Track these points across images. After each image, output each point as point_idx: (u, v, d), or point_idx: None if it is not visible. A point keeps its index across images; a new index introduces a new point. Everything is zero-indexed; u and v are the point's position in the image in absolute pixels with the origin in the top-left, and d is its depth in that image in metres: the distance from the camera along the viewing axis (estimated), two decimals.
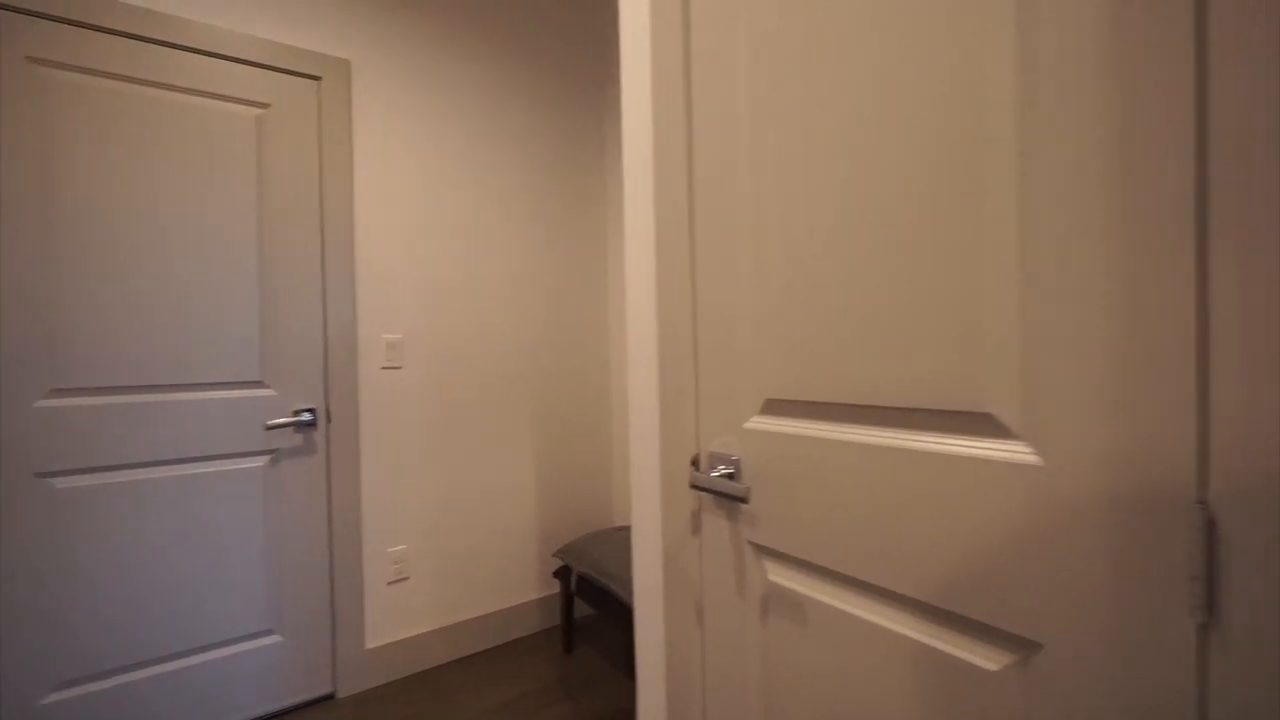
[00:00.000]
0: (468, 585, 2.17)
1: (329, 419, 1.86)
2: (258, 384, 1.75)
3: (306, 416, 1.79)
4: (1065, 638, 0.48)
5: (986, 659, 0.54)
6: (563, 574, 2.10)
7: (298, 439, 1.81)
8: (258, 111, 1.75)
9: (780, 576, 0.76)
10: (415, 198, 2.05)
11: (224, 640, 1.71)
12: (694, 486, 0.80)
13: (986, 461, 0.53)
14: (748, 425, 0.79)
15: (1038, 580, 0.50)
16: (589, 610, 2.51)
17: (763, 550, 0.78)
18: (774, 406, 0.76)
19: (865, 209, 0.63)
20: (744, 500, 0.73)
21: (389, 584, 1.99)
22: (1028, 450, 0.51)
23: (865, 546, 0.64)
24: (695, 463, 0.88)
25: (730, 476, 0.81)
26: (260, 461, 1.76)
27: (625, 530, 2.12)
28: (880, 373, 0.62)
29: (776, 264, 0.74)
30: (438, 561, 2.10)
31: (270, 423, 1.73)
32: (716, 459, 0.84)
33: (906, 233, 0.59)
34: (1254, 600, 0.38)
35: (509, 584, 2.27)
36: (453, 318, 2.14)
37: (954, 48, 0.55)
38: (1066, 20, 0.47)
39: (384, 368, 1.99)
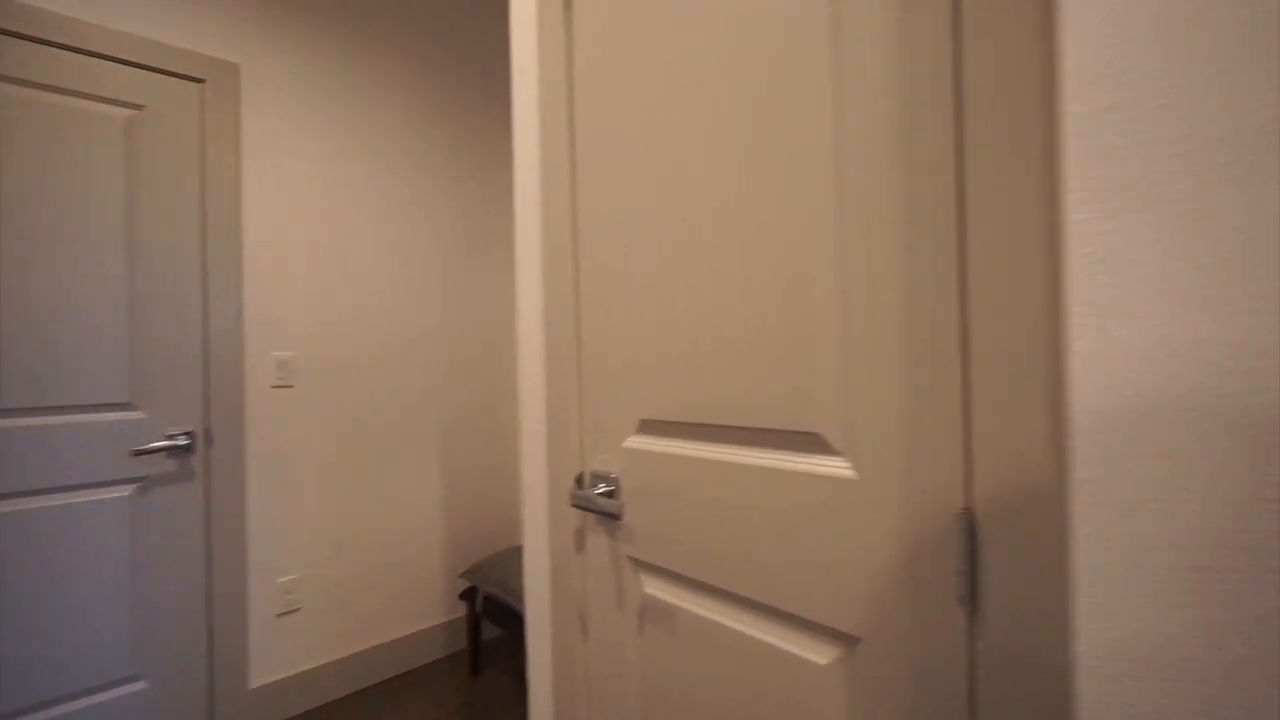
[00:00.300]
0: (367, 612, 2.07)
1: (209, 442, 1.74)
2: (125, 406, 1.61)
3: (182, 440, 1.66)
4: (877, 631, 0.55)
5: (819, 654, 0.60)
6: (469, 595, 2.06)
7: (171, 465, 1.68)
8: (129, 113, 1.63)
9: (655, 588, 0.80)
10: (311, 208, 1.97)
11: (80, 690, 1.54)
12: (574, 504, 0.83)
13: (815, 476, 0.60)
14: (626, 444, 0.83)
15: (856, 581, 0.56)
16: (497, 632, 2.47)
17: (640, 564, 0.82)
18: (648, 426, 0.81)
19: (718, 253, 0.69)
20: (617, 517, 0.77)
21: (278, 616, 1.87)
22: (847, 466, 0.58)
23: (723, 557, 0.69)
24: (580, 480, 0.91)
25: (609, 494, 0.84)
26: (126, 491, 1.61)
27: None
28: (735, 396, 0.68)
29: (647, 294, 0.79)
30: (334, 589, 2.00)
31: (138, 449, 1.59)
32: (598, 477, 0.87)
33: (751, 275, 0.65)
34: (1004, 588, 0.46)
35: (412, 608, 2.19)
36: (350, 333, 2.06)
37: (788, 132, 0.62)
38: (864, 111, 0.55)
39: (274, 386, 1.88)
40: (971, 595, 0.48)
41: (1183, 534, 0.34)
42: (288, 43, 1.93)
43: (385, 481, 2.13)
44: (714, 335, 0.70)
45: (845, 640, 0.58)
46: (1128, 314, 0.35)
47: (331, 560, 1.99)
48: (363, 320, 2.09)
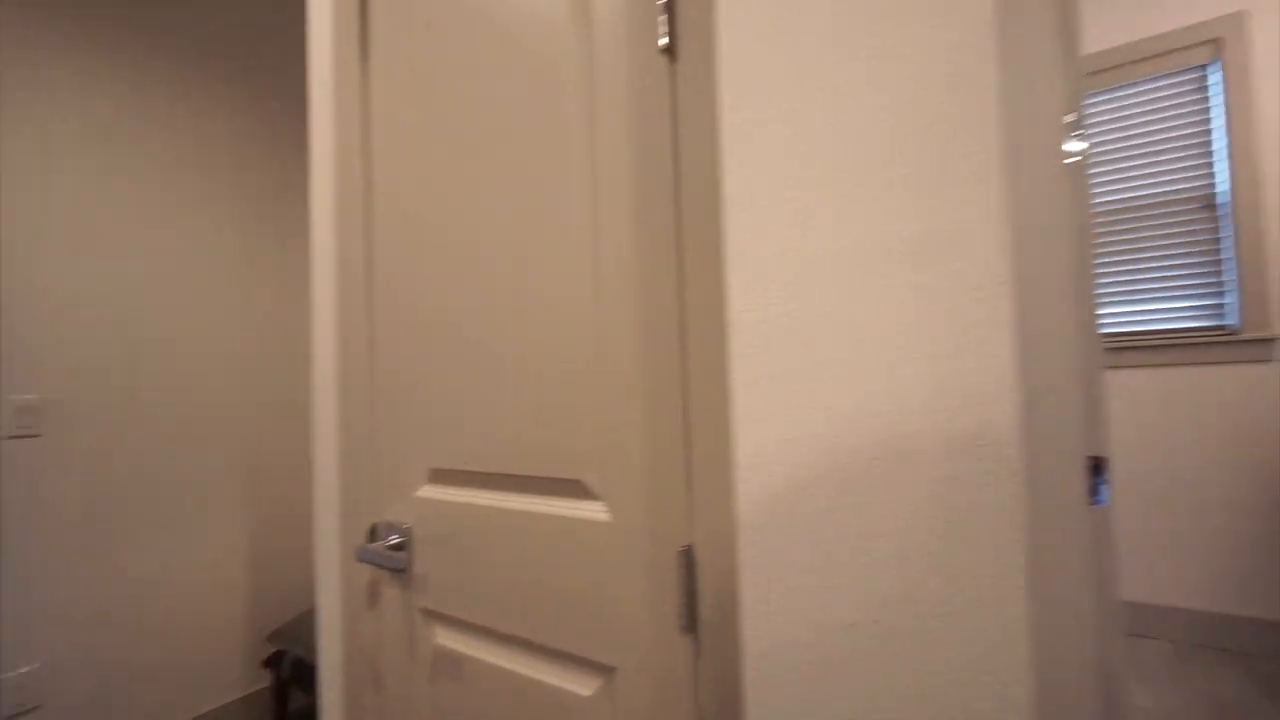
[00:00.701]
0: (138, 701, 1.76)
1: None
2: None
3: None
4: (629, 660, 0.61)
5: (584, 686, 0.65)
6: (275, 661, 1.84)
7: None
8: None
9: (446, 638, 0.80)
10: (77, 229, 1.69)
11: None
12: (358, 559, 0.81)
13: (578, 520, 0.65)
14: (419, 494, 0.83)
15: (611, 615, 0.62)
16: (308, 699, 2.22)
17: (432, 615, 0.81)
18: (440, 475, 0.81)
19: (495, 314, 0.73)
20: (403, 571, 0.76)
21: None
22: (603, 509, 0.64)
23: (506, 602, 0.72)
24: (374, 532, 0.88)
25: (400, 546, 0.83)
26: None
27: None
28: (513, 446, 0.72)
29: (436, 345, 0.80)
30: (93, 676, 1.67)
31: None
32: (391, 528, 0.86)
33: (523, 335, 0.70)
34: (715, 611, 0.54)
35: (203, 685, 1.91)
36: (126, 366, 1.78)
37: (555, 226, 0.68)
38: (613, 221, 0.63)
39: (13, 436, 1.56)
40: (692, 619, 0.55)
41: (818, 562, 0.43)
42: (58, 48, 1.66)
43: (167, 542, 1.85)
44: (494, 388, 0.73)
45: (605, 671, 0.63)
46: (776, 410, 0.45)
47: (87, 643, 1.67)
48: (144, 351, 1.82)
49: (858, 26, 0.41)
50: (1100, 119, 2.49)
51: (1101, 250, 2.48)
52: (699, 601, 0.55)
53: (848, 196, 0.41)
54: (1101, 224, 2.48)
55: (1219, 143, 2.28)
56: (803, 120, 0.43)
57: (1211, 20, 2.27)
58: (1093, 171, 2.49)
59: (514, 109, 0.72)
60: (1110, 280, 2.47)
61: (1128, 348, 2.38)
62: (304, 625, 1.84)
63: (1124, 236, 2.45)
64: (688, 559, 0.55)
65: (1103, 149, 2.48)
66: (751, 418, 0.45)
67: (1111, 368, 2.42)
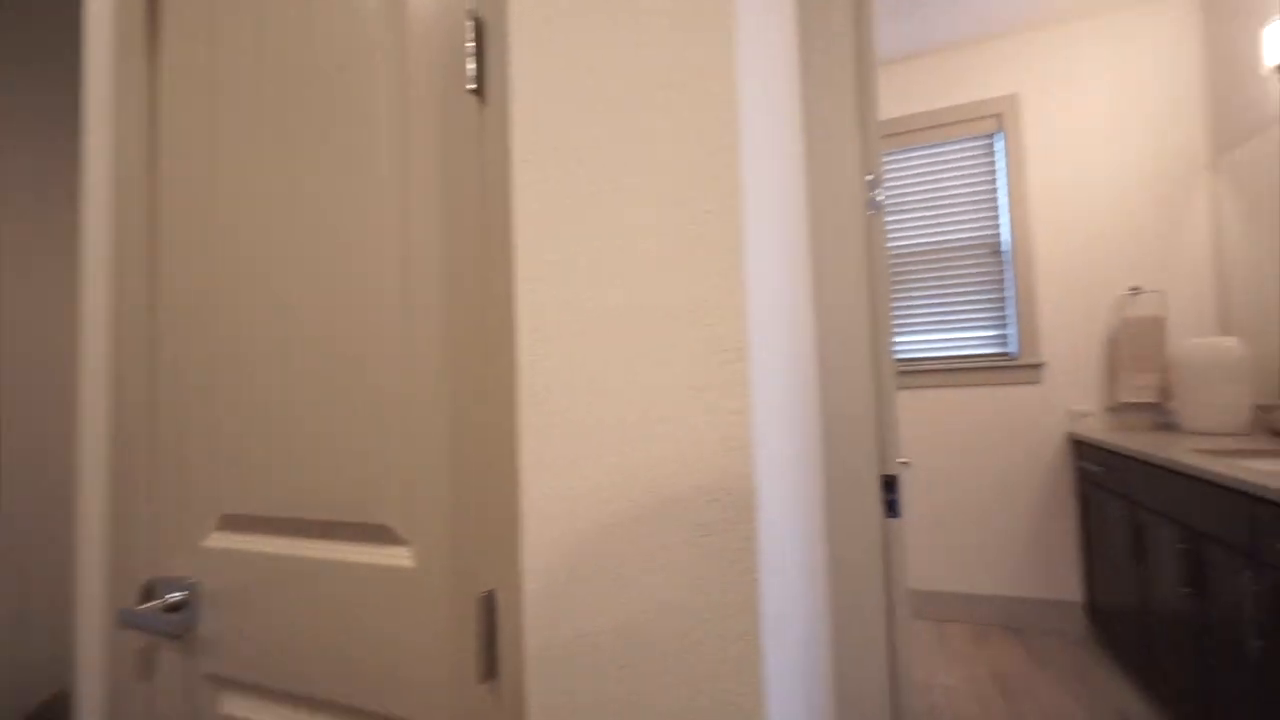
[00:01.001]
0: None
1: None
2: None
3: None
4: (427, 713, 0.58)
5: None
6: None
7: None
8: None
9: (235, 706, 0.71)
10: None
11: None
12: (122, 624, 0.70)
13: (380, 567, 0.61)
14: (206, 543, 0.74)
15: (412, 666, 0.59)
16: None
17: (219, 681, 0.72)
18: (232, 522, 0.73)
19: (296, 348, 0.68)
20: (177, 636, 0.67)
21: None
22: (408, 555, 0.61)
23: (302, 660, 0.66)
24: (150, 590, 0.77)
25: (181, 604, 0.73)
26: None
27: None
28: (317, 487, 0.66)
29: (229, 375, 0.72)
30: None
31: None
32: (172, 584, 0.75)
33: (325, 369, 0.66)
34: (511, 659, 0.54)
35: None
36: None
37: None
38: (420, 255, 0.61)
39: None
40: (492, 668, 0.54)
41: (585, 600, 0.44)
42: None
43: None
44: (295, 424, 0.68)
45: None
46: (559, 458, 0.46)
47: None
48: None
49: (630, 118, 0.44)
50: (915, 172, 2.88)
51: (913, 286, 2.85)
52: (498, 648, 0.54)
53: (622, 261, 0.44)
54: (913, 264, 2.86)
55: (1002, 199, 2.74)
56: (581, 182, 0.45)
57: (995, 98, 2.73)
58: (906, 217, 2.87)
59: (322, 132, 0.67)
60: (920, 312, 2.84)
61: (933, 370, 2.75)
62: (62, 706, 1.56)
63: (932, 275, 2.84)
64: (489, 604, 0.55)
65: (916, 198, 2.87)
66: (538, 464, 0.46)
67: (920, 387, 2.79)
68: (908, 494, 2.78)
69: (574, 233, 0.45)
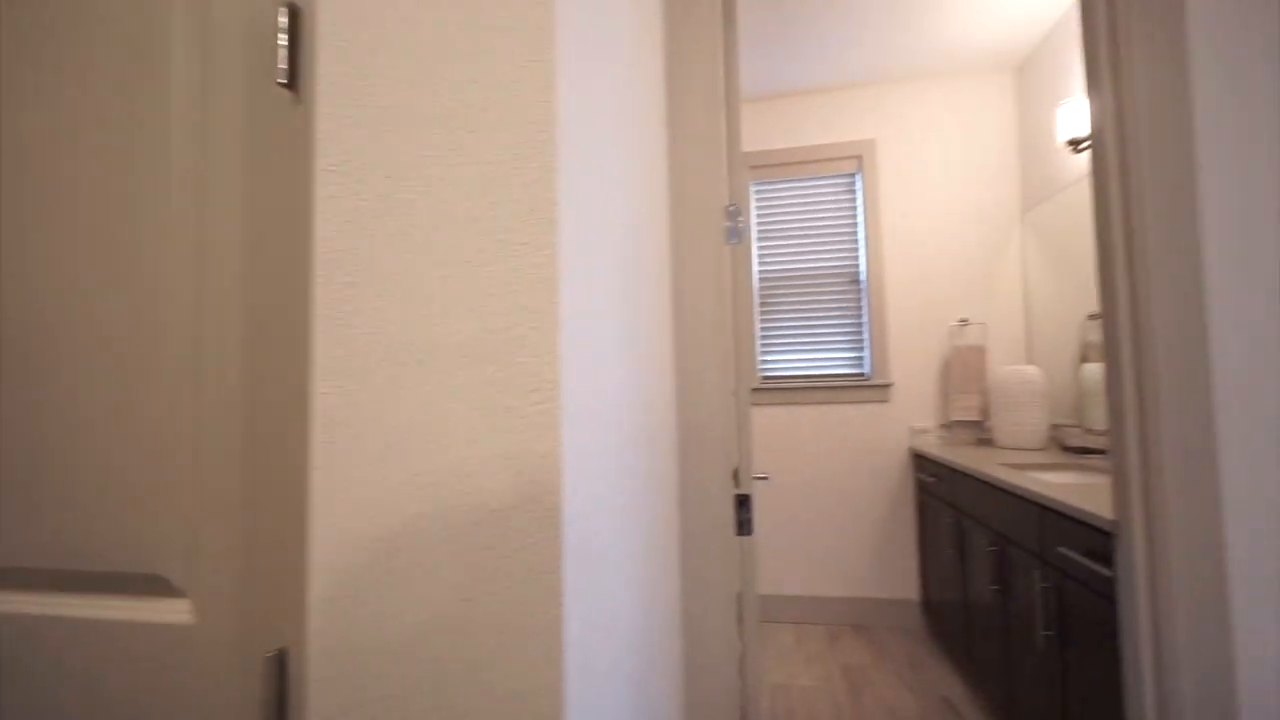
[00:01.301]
0: None
1: None
2: None
3: None
4: None
5: None
6: None
7: None
8: None
9: None
10: None
11: None
12: None
13: (153, 625, 0.52)
14: None
15: None
16: None
17: None
18: None
19: (59, 369, 0.57)
20: None
21: None
22: (188, 609, 0.52)
23: None
24: None
25: None
26: None
27: None
28: (78, 531, 0.56)
29: None
30: None
31: None
32: None
33: (94, 397, 0.56)
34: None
35: None
36: None
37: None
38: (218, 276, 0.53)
39: None
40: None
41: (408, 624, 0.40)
42: None
43: None
44: (56, 455, 0.56)
45: None
46: (352, 494, 0.41)
47: None
48: None
49: (447, 137, 0.41)
50: (789, 202, 3.09)
51: (784, 309, 3.05)
52: (289, 713, 0.48)
53: (429, 290, 0.41)
54: (785, 288, 3.06)
55: (860, 233, 3.01)
56: (390, 201, 0.42)
57: (857, 141, 3.00)
58: (779, 244, 3.07)
59: (104, 110, 0.57)
60: (789, 333, 3.05)
61: (798, 388, 2.96)
62: None
63: (801, 300, 3.05)
64: (280, 664, 0.48)
65: (789, 228, 3.08)
66: (329, 500, 0.41)
67: (785, 404, 2.98)
68: (769, 504, 2.94)
69: (376, 255, 0.41)
